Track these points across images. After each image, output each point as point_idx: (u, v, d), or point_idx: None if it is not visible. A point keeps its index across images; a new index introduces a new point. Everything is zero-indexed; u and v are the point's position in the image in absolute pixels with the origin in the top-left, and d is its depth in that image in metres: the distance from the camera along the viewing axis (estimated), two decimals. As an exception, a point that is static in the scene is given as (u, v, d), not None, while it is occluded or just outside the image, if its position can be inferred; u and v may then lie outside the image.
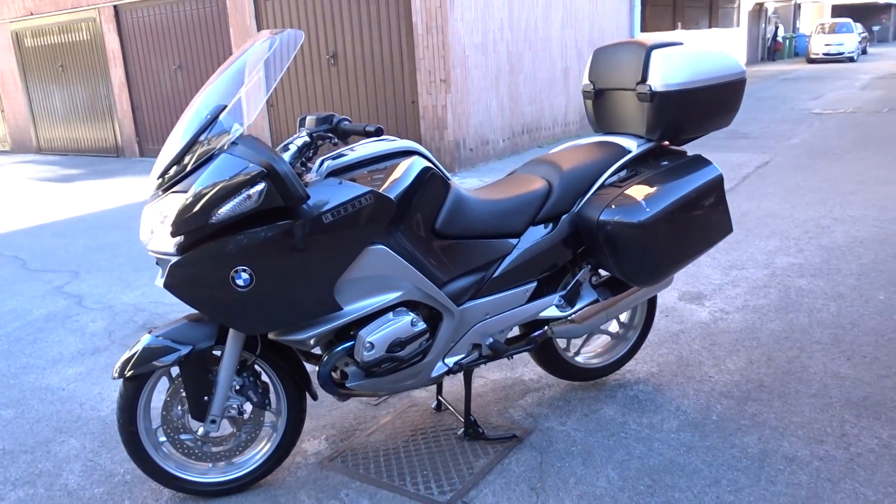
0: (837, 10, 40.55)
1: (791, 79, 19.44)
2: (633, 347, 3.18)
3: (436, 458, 2.70)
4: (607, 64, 2.94)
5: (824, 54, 26.97)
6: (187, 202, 2.11)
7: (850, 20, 28.10)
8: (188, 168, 2.17)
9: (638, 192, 2.61)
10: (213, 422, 2.44)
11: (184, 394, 2.46)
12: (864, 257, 4.55)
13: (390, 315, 2.40)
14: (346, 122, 2.31)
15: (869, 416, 2.75)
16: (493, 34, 9.04)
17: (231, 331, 2.38)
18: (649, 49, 2.76)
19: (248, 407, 2.57)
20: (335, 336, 2.46)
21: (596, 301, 2.82)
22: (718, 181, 2.72)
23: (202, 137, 2.17)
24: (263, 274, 2.19)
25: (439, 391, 3.06)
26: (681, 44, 2.84)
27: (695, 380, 3.14)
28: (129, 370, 2.34)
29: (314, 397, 2.58)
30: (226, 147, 2.15)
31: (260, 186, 2.09)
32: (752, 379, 3.11)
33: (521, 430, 2.84)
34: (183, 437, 2.49)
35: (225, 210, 2.09)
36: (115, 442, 2.96)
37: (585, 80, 3.06)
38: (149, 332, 2.43)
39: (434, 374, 2.59)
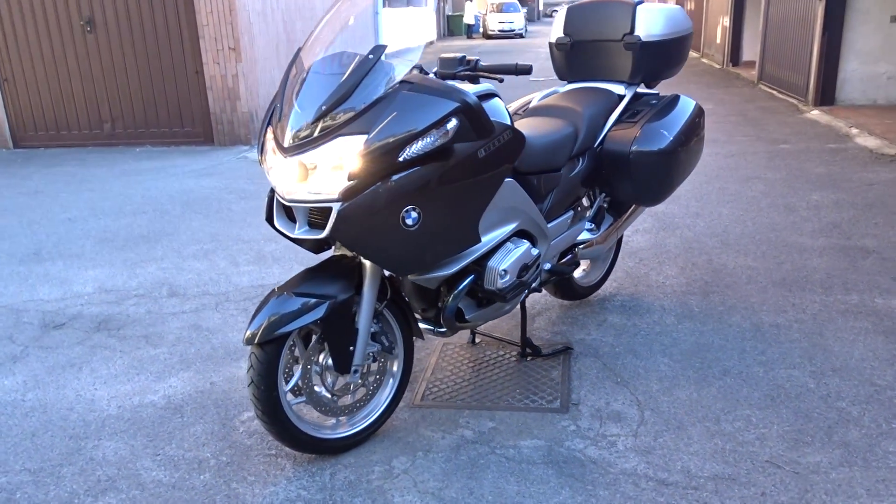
0: (496, -7, 45.42)
1: (486, 52, 21.54)
2: (611, 266, 3.70)
3: (513, 378, 2.94)
4: (588, 19, 3.35)
5: (500, 31, 30.35)
6: (375, 143, 2.07)
7: (515, 1, 31.89)
8: (359, 110, 2.11)
9: (653, 125, 3.10)
10: (356, 371, 2.41)
11: (313, 350, 2.37)
12: (685, 186, 5.64)
13: (509, 244, 2.58)
14: (481, 62, 2.41)
15: (797, 289, 3.63)
16: (271, 2, 8.81)
17: (368, 278, 2.36)
18: (635, 5, 3.24)
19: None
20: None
21: (612, 224, 3.27)
22: (701, 111, 3.32)
23: (366, 79, 2.13)
24: (429, 211, 2.24)
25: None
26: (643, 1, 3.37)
27: (654, 286, 3.78)
28: (267, 334, 2.20)
29: (422, 338, 2.65)
30: (397, 85, 2.14)
31: (454, 121, 2.14)
32: (695, 279, 3.84)
33: (564, 343, 3.20)
34: (321, 393, 2.41)
35: (417, 147, 2.11)
36: (165, 434, 2.66)
37: (559, 34, 3.44)
38: (273, 294, 2.29)
39: (520, 298, 2.82)
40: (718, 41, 14.79)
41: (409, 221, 2.21)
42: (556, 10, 63.23)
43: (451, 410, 2.74)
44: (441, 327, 2.67)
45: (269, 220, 2.36)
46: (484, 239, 2.48)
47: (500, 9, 31.68)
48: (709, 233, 4.52)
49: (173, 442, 2.62)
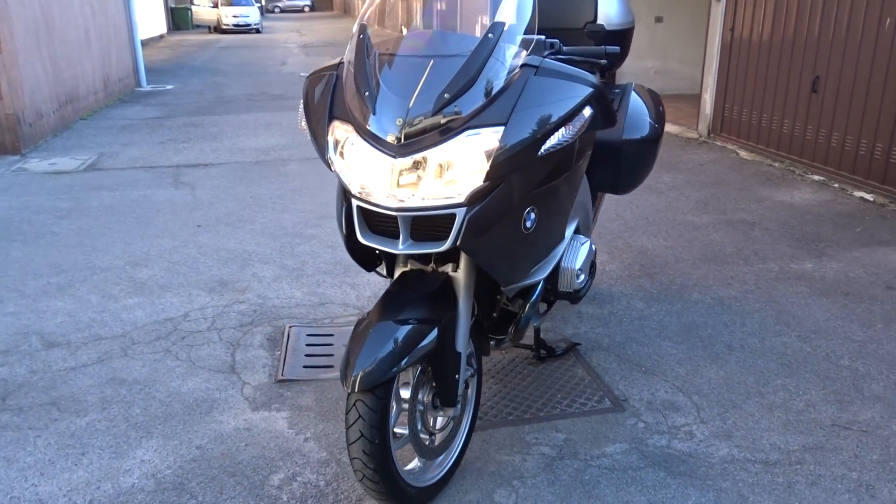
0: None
1: (229, 47, 20.18)
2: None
3: (542, 383, 2.77)
4: (547, 7, 3.26)
5: (234, 25, 28.80)
6: (515, 136, 1.78)
7: (251, -6, 30.50)
8: (487, 99, 1.79)
9: (632, 113, 3.10)
10: (459, 402, 2.07)
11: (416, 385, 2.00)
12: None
13: (574, 243, 2.41)
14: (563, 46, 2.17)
15: (722, 263, 3.91)
16: (25, -18, 7.37)
17: (463, 293, 2.04)
18: (596, -7, 3.22)
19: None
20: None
21: (594, 214, 3.23)
22: (658, 97, 3.39)
23: (489, 62, 1.82)
24: (542, 210, 2.00)
25: (472, 334, 3.02)
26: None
27: (598, 273, 3.83)
28: (379, 376, 1.81)
29: (488, 354, 2.38)
30: (519, 70, 1.86)
31: (589, 109, 1.90)
32: (629, 263, 3.96)
33: (568, 340, 3.09)
34: (422, 434, 2.03)
35: (557, 139, 1.85)
36: (188, 522, 2.07)
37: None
38: (365, 326, 1.89)
39: (563, 299, 2.66)
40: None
41: (528, 224, 1.95)
42: (278, 7, 62.55)
43: (508, 428, 2.50)
44: (498, 339, 2.42)
45: (349, 238, 1.93)
46: (565, 236, 2.29)
47: (232, 2, 30.11)
48: (604, 217, 4.71)
49: (209, 531, 2.04)
